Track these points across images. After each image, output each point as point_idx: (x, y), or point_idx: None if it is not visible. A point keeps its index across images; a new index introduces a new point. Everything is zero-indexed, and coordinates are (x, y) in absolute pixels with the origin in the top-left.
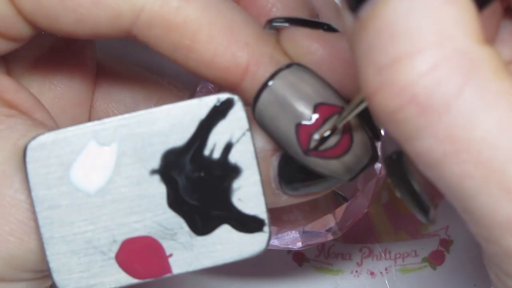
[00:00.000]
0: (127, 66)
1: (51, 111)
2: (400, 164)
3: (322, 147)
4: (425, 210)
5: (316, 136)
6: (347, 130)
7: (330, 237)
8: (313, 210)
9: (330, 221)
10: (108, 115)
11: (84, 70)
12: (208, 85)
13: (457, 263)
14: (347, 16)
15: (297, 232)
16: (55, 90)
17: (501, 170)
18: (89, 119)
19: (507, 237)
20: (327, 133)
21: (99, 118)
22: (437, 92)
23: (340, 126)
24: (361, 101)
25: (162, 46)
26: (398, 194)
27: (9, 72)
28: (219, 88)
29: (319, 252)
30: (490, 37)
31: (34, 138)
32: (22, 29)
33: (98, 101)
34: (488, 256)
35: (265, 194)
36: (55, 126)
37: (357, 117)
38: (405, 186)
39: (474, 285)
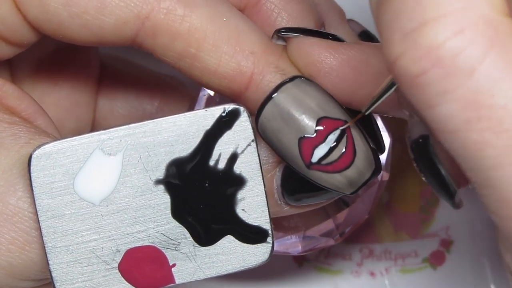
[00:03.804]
0: (130, 64)
1: (55, 112)
2: (426, 148)
3: (325, 161)
4: (451, 194)
5: (322, 150)
6: (350, 144)
7: (330, 242)
8: (313, 216)
9: (330, 226)
10: (112, 114)
11: (87, 70)
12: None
13: (458, 264)
14: None
15: (297, 237)
16: (60, 90)
17: None
18: (94, 118)
19: None
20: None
21: (103, 117)
22: (462, 56)
23: (368, 112)
24: (389, 85)
25: (167, 55)
26: (424, 178)
27: (13, 75)
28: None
29: (319, 252)
30: None
31: (39, 147)
32: (27, 35)
33: (102, 100)
34: (505, 236)
35: (268, 204)
36: (57, 132)
37: (360, 130)
38: (431, 170)
39: (475, 286)
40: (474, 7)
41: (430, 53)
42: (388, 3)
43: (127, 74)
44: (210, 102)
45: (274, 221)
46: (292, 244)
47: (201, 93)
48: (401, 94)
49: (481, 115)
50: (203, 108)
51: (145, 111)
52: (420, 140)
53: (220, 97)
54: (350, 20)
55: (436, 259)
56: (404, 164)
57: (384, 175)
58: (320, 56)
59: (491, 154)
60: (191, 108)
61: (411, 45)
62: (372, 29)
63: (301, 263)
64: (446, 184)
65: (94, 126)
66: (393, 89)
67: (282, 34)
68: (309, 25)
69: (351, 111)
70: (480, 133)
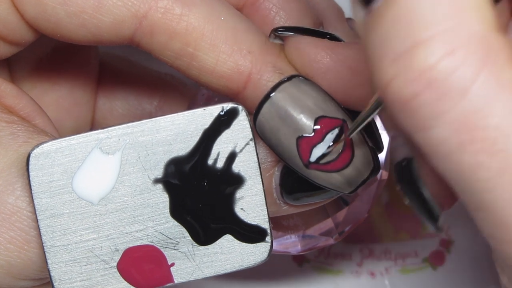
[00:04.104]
0: (129, 63)
1: (55, 111)
2: (410, 170)
3: (323, 161)
4: (434, 218)
5: (321, 148)
6: (348, 143)
7: (330, 241)
8: (313, 215)
9: (330, 225)
10: (111, 114)
11: (87, 69)
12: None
13: (458, 263)
14: (359, 12)
15: (297, 236)
16: (59, 90)
17: None
18: (93, 118)
19: None
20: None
21: (103, 116)
22: (454, 77)
23: (354, 134)
24: (375, 106)
25: (164, 54)
26: (407, 201)
27: (12, 74)
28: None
29: (319, 252)
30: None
31: (37, 146)
32: (24, 34)
33: (102, 99)
34: (501, 258)
35: (267, 204)
36: (55, 131)
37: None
38: (414, 193)
39: (475, 286)
40: (465, 25)
41: (422, 75)
42: (377, 25)
43: (127, 73)
44: (209, 101)
45: (273, 220)
46: (291, 244)
47: (200, 92)
48: (386, 116)
49: (475, 137)
50: (202, 107)
51: (144, 110)
52: (404, 163)
53: (219, 96)
54: (349, 19)
55: (436, 259)
56: None
57: (383, 174)
58: (317, 56)
59: (485, 177)
60: (190, 107)
61: (402, 67)
62: None
63: (301, 263)
64: (430, 207)
65: (93, 125)
66: (377, 110)
67: (279, 34)
68: (307, 24)
69: (348, 111)
70: (473, 156)
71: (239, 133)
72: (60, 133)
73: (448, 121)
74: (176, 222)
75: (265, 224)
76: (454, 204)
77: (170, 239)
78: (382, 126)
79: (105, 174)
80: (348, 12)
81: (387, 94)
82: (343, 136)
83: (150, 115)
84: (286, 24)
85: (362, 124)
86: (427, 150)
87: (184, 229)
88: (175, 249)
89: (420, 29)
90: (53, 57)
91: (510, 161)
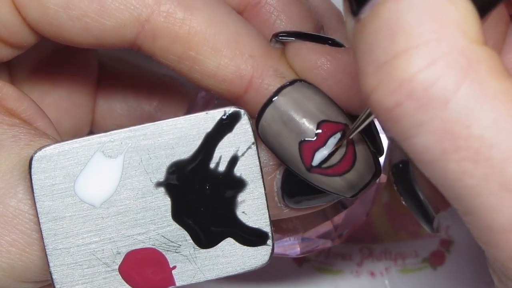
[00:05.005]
0: (128, 64)
1: (54, 112)
2: (406, 173)
3: (325, 165)
4: (429, 219)
5: (323, 153)
6: (350, 147)
7: (329, 244)
8: (312, 217)
9: (329, 228)
10: (111, 114)
11: (86, 71)
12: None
13: (458, 263)
14: (349, 20)
15: (296, 239)
16: (59, 91)
17: (500, 169)
18: (93, 119)
19: (509, 239)
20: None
21: (102, 117)
22: (435, 87)
23: (351, 137)
24: (368, 113)
25: (166, 58)
26: (403, 202)
27: (12, 76)
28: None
29: (319, 252)
30: (498, 43)
31: (40, 149)
32: (26, 37)
33: (101, 100)
34: (490, 261)
35: (268, 207)
36: (57, 134)
37: (360, 134)
38: (410, 195)
39: (475, 286)
40: (447, 37)
41: (403, 85)
42: (362, 33)
43: (126, 74)
44: (208, 103)
45: (273, 223)
46: (290, 246)
47: (199, 95)
48: None
49: (458, 146)
50: (204, 111)
51: (143, 111)
52: (400, 165)
53: (219, 99)
54: None
55: (436, 259)
56: None
57: (382, 177)
58: (317, 62)
59: (470, 184)
60: (189, 108)
61: (384, 77)
62: None
63: (301, 263)
64: (425, 209)
65: (93, 127)
66: (371, 118)
67: (279, 39)
68: (308, 28)
69: (350, 116)
70: (458, 163)
71: (241, 137)
72: (60, 135)
73: (430, 130)
74: (177, 225)
75: (266, 228)
76: (449, 206)
77: (172, 242)
78: (381, 128)
79: (107, 177)
80: None
81: (371, 102)
82: (341, 139)
83: (149, 116)
84: (287, 28)
85: (362, 126)
86: (413, 157)
87: (185, 232)
88: (176, 252)
89: (401, 40)
90: (53, 58)
91: (494, 169)
